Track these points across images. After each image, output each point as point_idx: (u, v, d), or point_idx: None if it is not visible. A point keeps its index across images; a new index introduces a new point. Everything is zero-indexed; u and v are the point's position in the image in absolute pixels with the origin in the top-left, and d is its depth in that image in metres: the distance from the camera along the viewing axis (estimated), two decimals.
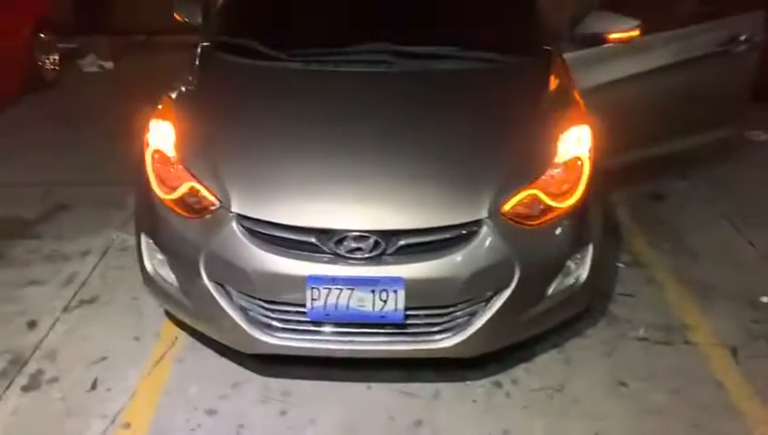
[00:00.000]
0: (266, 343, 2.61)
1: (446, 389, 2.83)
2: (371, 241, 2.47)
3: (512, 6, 3.52)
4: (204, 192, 2.62)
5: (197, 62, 3.27)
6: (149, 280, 2.91)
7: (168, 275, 2.79)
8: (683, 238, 3.94)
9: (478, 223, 2.52)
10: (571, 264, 2.76)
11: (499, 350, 2.87)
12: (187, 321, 2.90)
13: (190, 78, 3.19)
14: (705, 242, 3.90)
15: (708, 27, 3.87)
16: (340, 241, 2.48)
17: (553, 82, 3.12)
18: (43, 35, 6.03)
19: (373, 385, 2.85)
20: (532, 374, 2.92)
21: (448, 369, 2.89)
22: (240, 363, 2.95)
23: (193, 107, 2.99)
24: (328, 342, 2.61)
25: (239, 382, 2.86)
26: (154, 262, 2.86)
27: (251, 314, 2.62)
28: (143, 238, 2.88)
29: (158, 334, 3.14)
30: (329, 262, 2.49)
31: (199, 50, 3.35)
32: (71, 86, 6.64)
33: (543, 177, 2.64)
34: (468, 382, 2.87)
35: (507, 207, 2.56)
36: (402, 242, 2.49)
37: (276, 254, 2.50)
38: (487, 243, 2.51)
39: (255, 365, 2.93)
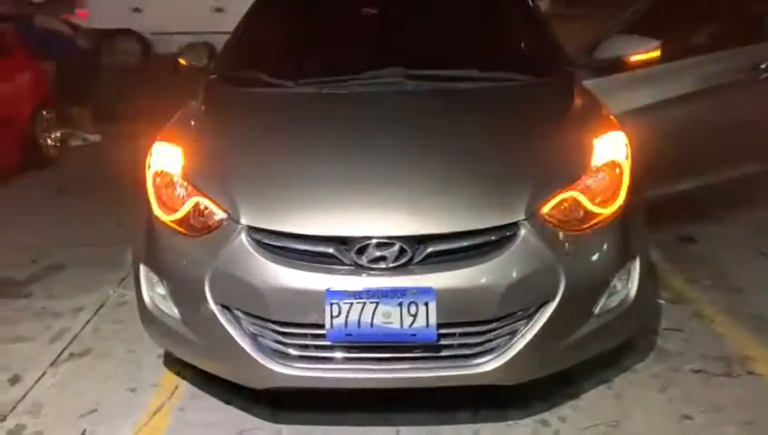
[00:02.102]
0: (280, 374, 2.28)
1: (486, 430, 2.48)
2: (396, 248, 2.20)
3: (529, 29, 3.43)
4: (210, 206, 2.38)
5: (203, 93, 3.11)
6: (147, 316, 2.61)
7: (169, 308, 2.50)
8: (724, 275, 3.65)
9: (515, 226, 2.26)
10: (617, 281, 2.48)
11: (541, 386, 2.56)
12: (189, 358, 2.58)
13: (195, 106, 3.03)
14: (749, 278, 3.61)
15: (728, 55, 3.76)
16: (361, 250, 2.21)
17: (580, 97, 2.95)
18: (45, 113, 5.97)
19: (402, 429, 2.49)
20: (581, 411, 2.57)
21: (486, 407, 2.55)
22: (248, 410, 2.61)
23: (199, 130, 2.82)
24: (350, 370, 2.28)
25: (247, 430, 2.50)
26: (153, 295, 2.57)
27: (262, 341, 2.31)
28: (142, 270, 2.60)
29: (157, 385, 2.81)
30: (349, 274, 2.21)
31: (206, 83, 3.21)
32: (65, 158, 6.50)
33: (581, 180, 2.42)
34: (510, 422, 2.52)
35: (546, 209, 2.31)
36: (431, 249, 2.22)
37: (290, 267, 2.23)
38: (527, 248, 2.24)
39: (265, 412, 2.59)
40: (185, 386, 2.79)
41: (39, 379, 2.87)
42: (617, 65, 3.38)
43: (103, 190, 5.38)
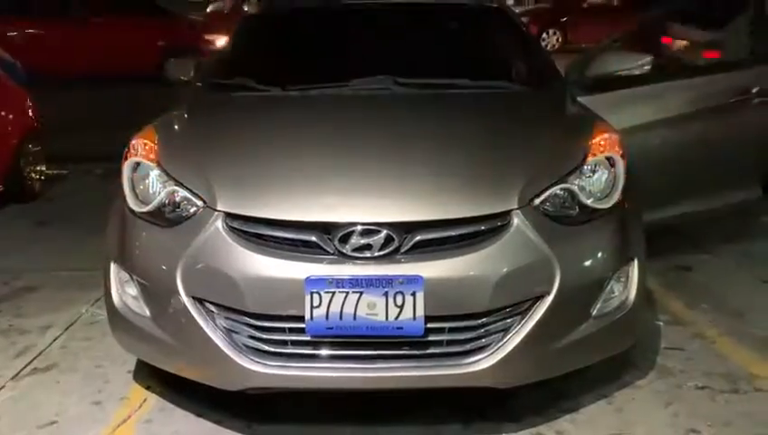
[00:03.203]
0: (255, 373, 2.11)
1: None
2: (382, 236, 2.08)
3: (519, 46, 3.40)
4: (186, 195, 2.26)
5: (186, 97, 3.03)
6: (116, 317, 2.45)
7: (140, 307, 2.35)
8: (724, 300, 3.51)
9: (508, 215, 2.15)
10: (615, 283, 2.35)
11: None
12: (159, 360, 2.41)
13: (177, 110, 2.93)
14: (749, 303, 3.46)
15: (719, 78, 3.74)
16: (344, 238, 2.09)
17: (573, 105, 2.89)
18: (31, 146, 5.88)
19: None
20: (580, 425, 2.40)
21: (478, 420, 2.38)
22: (221, 423, 2.41)
23: (179, 127, 2.73)
24: (331, 369, 2.11)
25: None
26: (123, 295, 2.42)
27: (236, 337, 2.15)
28: (112, 269, 2.45)
29: (124, 398, 2.61)
30: (332, 263, 2.07)
31: (189, 90, 3.14)
32: (48, 192, 6.31)
33: (576, 173, 2.32)
34: None
35: (539, 199, 2.21)
36: (419, 237, 2.10)
37: (268, 256, 2.10)
38: (520, 238, 2.13)
39: (240, 425, 2.39)
40: (154, 400, 2.60)
41: None
42: (608, 83, 3.34)
43: (85, 224, 5.24)
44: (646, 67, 3.23)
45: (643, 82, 3.45)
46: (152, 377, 2.69)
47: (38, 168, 6.01)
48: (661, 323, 3.21)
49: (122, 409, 2.54)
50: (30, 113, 5.98)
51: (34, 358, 2.95)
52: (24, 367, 2.87)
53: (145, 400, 2.59)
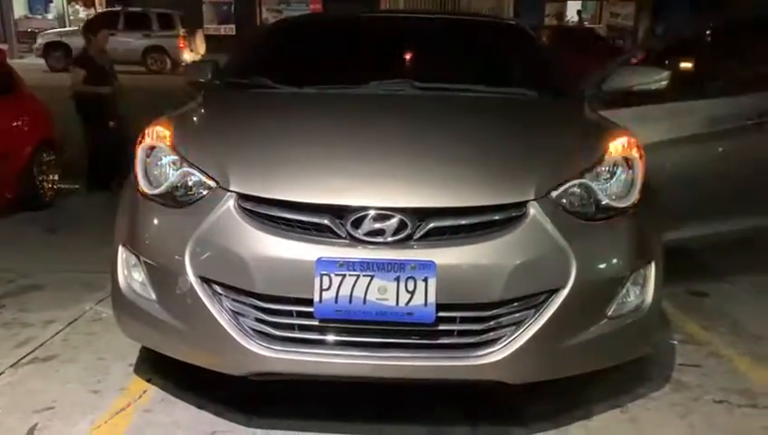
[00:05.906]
0: (261, 356, 2.05)
1: None
2: (395, 221, 2.04)
3: (537, 59, 3.40)
4: (198, 177, 2.24)
5: (202, 93, 3.04)
6: (121, 300, 2.39)
7: (146, 291, 2.30)
8: (741, 324, 3.42)
9: (524, 205, 2.11)
10: (632, 285, 2.29)
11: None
12: (162, 345, 2.34)
13: (192, 104, 2.94)
14: (767, 328, 3.39)
15: (736, 100, 3.71)
16: (357, 222, 2.05)
17: (591, 112, 2.87)
18: (45, 155, 5.91)
19: None
20: (592, 431, 2.31)
21: (486, 424, 2.31)
22: (221, 415, 2.36)
23: (195, 117, 2.72)
24: (338, 356, 2.05)
25: (220, 432, 2.24)
26: (129, 278, 2.37)
27: (243, 320, 2.09)
28: (120, 252, 2.41)
29: (124, 389, 2.56)
30: (343, 246, 2.03)
31: (206, 88, 3.14)
32: (61, 202, 6.31)
33: (594, 170, 2.28)
34: None
35: (557, 193, 2.17)
36: (433, 224, 2.05)
37: (279, 237, 2.06)
38: (537, 230, 2.08)
39: (240, 417, 2.34)
40: (154, 391, 2.54)
41: None
42: (625, 98, 3.32)
43: (95, 233, 5.22)
44: (663, 83, 3.21)
45: (660, 99, 3.42)
46: (154, 370, 2.65)
47: (51, 177, 6.03)
48: (676, 343, 3.12)
49: (121, 398, 2.49)
50: (45, 122, 6.04)
51: (35, 349, 2.90)
52: (24, 356, 2.82)
53: (145, 391, 2.54)
